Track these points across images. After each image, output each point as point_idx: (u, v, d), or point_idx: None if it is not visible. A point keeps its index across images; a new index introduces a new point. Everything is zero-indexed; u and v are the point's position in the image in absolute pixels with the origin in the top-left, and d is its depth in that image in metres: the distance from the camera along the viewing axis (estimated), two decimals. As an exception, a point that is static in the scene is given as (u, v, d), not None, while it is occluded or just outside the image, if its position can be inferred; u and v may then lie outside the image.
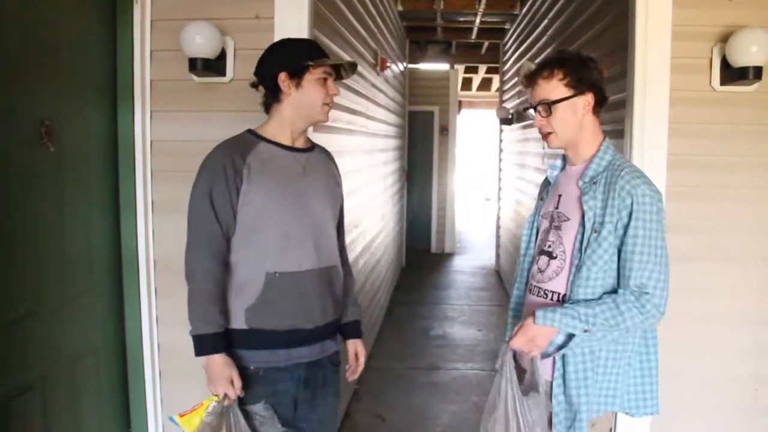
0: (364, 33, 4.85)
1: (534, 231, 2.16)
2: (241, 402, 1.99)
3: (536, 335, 1.89)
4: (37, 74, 2.33)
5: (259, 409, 2.02)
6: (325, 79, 2.07)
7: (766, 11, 2.71)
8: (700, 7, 2.73)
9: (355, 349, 2.30)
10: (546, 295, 2.00)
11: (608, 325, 1.83)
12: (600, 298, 1.87)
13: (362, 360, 2.31)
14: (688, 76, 2.75)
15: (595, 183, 1.92)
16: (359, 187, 4.81)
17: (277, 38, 2.76)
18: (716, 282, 2.83)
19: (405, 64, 9.21)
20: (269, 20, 2.79)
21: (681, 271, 2.77)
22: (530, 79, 1.98)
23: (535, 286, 2.06)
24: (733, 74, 2.67)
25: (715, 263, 2.82)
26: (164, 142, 2.89)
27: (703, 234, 2.80)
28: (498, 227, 8.85)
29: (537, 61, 2.07)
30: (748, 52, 2.58)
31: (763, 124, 2.78)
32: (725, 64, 2.69)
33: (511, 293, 2.29)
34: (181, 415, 1.94)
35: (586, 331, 1.84)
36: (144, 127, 2.85)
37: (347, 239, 4.06)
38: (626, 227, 1.84)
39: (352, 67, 2.19)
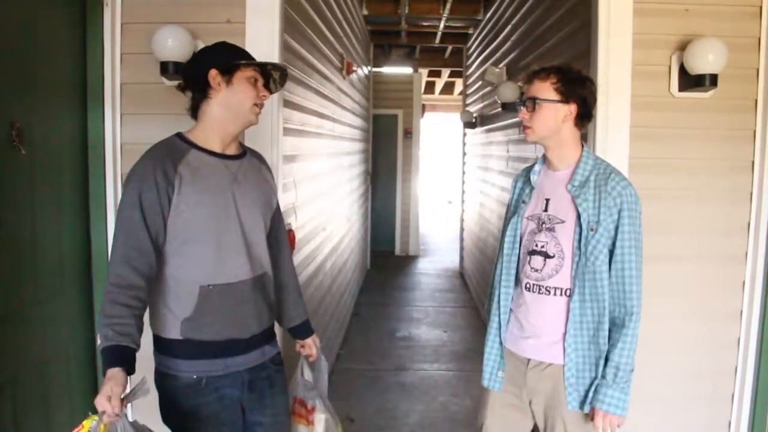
0: (331, 37, 4.88)
1: (518, 233, 2.25)
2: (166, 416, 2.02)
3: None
4: (8, 77, 2.31)
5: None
6: (255, 81, 2.06)
7: (722, 21, 2.83)
8: (660, 17, 2.84)
9: (313, 341, 2.43)
10: (549, 291, 2.16)
11: (631, 352, 2.14)
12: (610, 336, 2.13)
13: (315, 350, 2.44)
14: (648, 82, 2.86)
15: (584, 186, 2.11)
16: (327, 191, 4.84)
17: (248, 42, 2.77)
18: (677, 280, 2.94)
19: (369, 67, 9.25)
20: (240, 24, 2.80)
21: (645, 269, 2.87)
22: (531, 77, 2.17)
23: (534, 284, 2.18)
24: (690, 81, 2.78)
25: (676, 262, 2.93)
26: (134, 145, 2.86)
27: (665, 234, 2.89)
28: (462, 230, 8.93)
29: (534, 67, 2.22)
30: (704, 60, 2.70)
31: (718, 128, 2.90)
32: (683, 71, 2.80)
33: (491, 293, 2.36)
34: None
35: (632, 370, 2.15)
36: (114, 130, 2.84)
37: (313, 244, 4.11)
38: (617, 222, 2.06)
39: (282, 78, 2.20)
